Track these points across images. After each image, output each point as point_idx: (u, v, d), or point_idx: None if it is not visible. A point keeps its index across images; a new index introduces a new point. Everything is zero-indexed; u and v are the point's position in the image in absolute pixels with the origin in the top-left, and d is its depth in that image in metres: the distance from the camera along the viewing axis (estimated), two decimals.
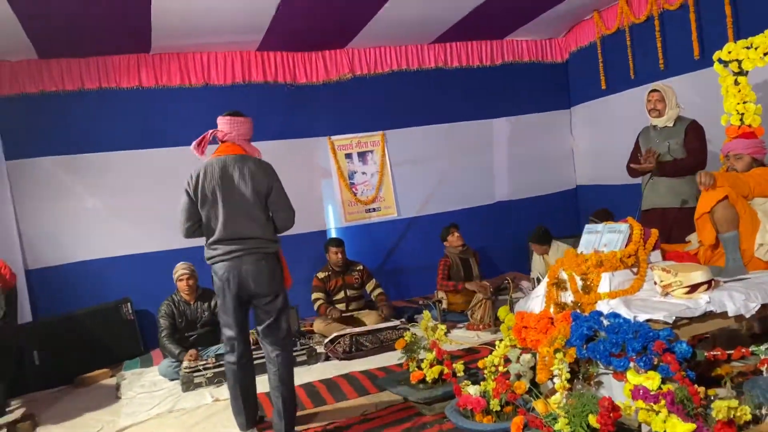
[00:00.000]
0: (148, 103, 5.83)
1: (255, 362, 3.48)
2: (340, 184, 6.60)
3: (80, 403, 4.33)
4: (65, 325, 5.07)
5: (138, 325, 5.56)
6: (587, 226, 3.46)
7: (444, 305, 5.50)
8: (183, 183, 3.31)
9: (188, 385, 4.27)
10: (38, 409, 4.23)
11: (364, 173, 6.75)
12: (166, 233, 5.73)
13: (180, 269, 4.87)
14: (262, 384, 3.48)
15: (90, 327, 5.17)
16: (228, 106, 5.86)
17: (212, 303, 4.91)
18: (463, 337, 4.84)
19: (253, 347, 3.50)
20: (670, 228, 4.33)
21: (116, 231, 5.70)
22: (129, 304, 5.52)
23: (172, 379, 4.52)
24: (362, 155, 6.74)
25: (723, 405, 2.21)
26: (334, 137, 6.59)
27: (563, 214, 6.99)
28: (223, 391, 4.14)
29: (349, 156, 6.69)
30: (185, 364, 4.36)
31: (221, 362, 4.33)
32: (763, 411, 2.38)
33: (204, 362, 4.37)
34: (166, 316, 4.74)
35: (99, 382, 4.80)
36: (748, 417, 2.26)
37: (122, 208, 5.74)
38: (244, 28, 5.56)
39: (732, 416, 2.22)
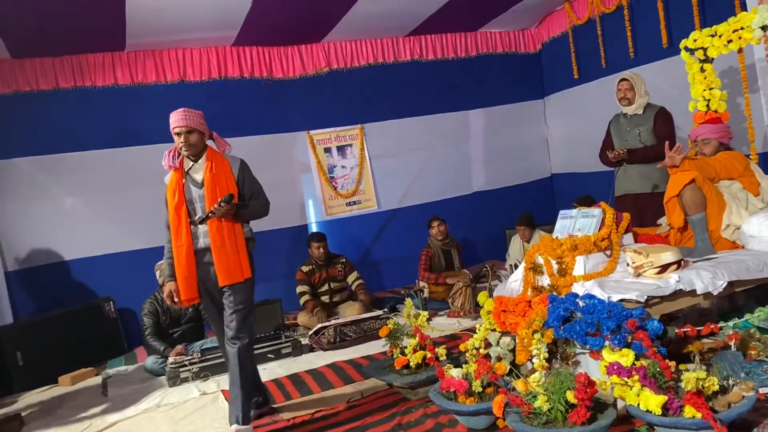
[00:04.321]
0: (124, 101, 5.81)
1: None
2: (320, 179, 6.64)
3: (66, 401, 4.34)
4: (48, 326, 5.06)
5: (121, 324, 5.57)
6: (562, 212, 3.56)
7: (426, 294, 5.58)
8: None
9: (174, 380, 4.29)
10: (24, 410, 4.22)
11: (343, 167, 6.80)
12: (145, 231, 5.73)
13: None
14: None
15: (73, 326, 5.17)
16: (204, 103, 5.95)
17: None
18: (444, 324, 4.93)
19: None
20: (643, 212, 4.46)
21: (96, 230, 5.68)
22: (111, 302, 5.53)
23: (158, 375, 4.54)
24: (341, 149, 6.78)
25: (692, 377, 2.33)
26: (312, 131, 6.62)
27: (539, 202, 7.11)
28: (210, 385, 4.18)
29: (328, 150, 6.73)
30: (171, 359, 4.37)
31: (207, 357, 4.40)
32: (730, 382, 2.50)
33: (190, 357, 4.39)
34: (149, 315, 4.73)
35: (84, 381, 4.80)
36: (716, 387, 2.38)
37: (101, 207, 5.72)
38: (220, 24, 5.56)
39: (700, 387, 2.34)
